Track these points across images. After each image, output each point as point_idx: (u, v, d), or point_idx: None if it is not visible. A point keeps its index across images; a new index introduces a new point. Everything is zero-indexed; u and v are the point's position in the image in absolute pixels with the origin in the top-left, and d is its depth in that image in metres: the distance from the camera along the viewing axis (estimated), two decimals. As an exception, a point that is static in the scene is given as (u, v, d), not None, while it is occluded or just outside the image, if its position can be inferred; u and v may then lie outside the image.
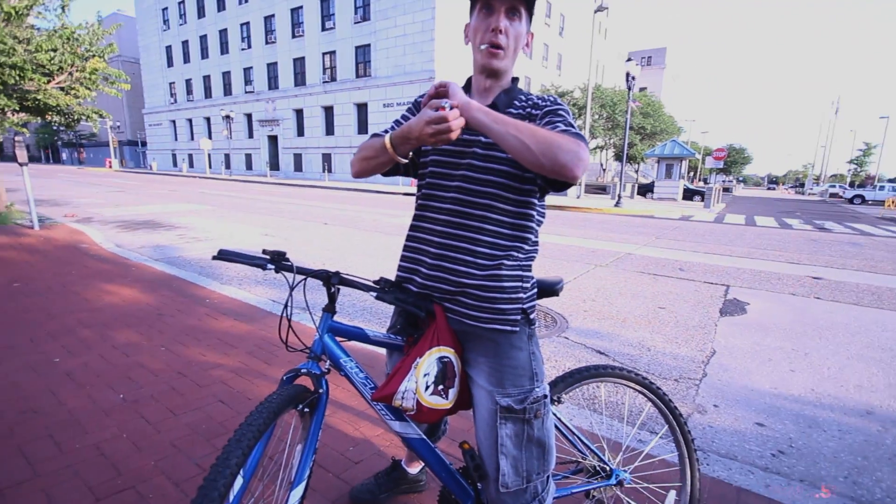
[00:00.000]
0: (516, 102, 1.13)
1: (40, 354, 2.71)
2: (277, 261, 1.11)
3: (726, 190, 43.91)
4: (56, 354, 2.72)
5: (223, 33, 37.15)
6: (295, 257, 5.97)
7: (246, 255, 1.10)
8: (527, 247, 1.15)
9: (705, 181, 59.70)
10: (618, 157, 39.26)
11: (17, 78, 7.08)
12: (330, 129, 31.93)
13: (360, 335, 1.19)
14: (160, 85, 44.36)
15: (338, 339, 1.17)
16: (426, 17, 25.74)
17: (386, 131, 1.19)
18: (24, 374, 2.46)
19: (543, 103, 1.11)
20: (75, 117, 8.43)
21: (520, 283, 1.12)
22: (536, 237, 1.18)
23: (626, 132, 17.22)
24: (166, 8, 41.36)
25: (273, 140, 35.99)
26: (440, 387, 1.12)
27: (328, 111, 31.80)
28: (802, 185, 71.22)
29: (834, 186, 43.35)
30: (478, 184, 1.09)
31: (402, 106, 27.49)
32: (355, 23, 28.96)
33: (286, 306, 1.11)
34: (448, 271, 1.11)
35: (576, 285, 5.16)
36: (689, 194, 26.11)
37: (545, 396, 1.15)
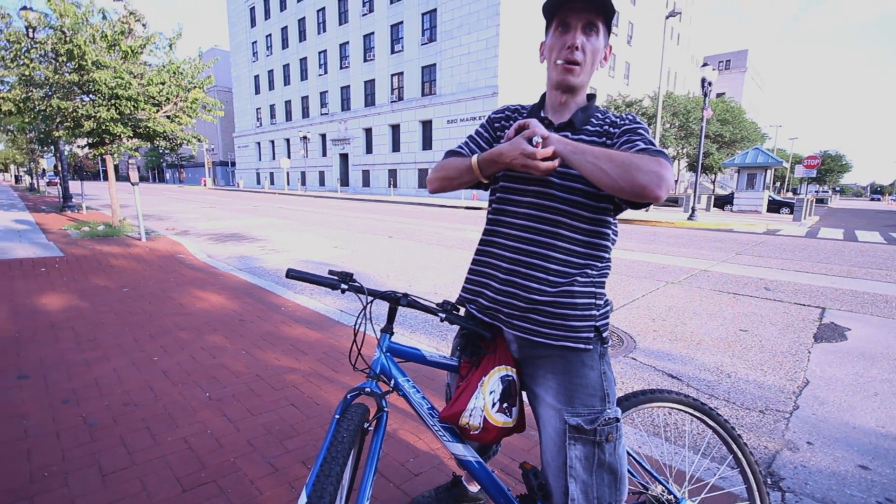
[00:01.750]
0: (593, 120, 1.12)
1: (142, 353, 3.06)
2: (346, 281, 1.15)
3: (820, 201, 39.62)
4: (155, 353, 3.05)
5: (303, 61, 40.20)
6: (361, 269, 6.21)
7: (315, 276, 1.14)
8: (600, 264, 1.13)
9: (794, 192, 54.26)
10: (691, 167, 36.92)
11: (132, 108, 8.14)
12: (396, 147, 33.20)
13: (417, 356, 1.21)
14: (248, 110, 48.80)
15: (396, 359, 1.19)
16: (490, 34, 26.12)
17: (461, 147, 1.24)
18: (128, 370, 2.79)
19: (622, 122, 1.09)
20: (178, 142, 9.51)
21: (593, 300, 1.10)
22: (610, 254, 1.16)
23: (701, 140, 16.17)
24: (255, 42, 45.69)
25: (344, 158, 38.05)
26: (504, 404, 1.13)
27: (395, 129, 33.12)
28: (916, 196, 62.29)
29: (960, 196, 37.49)
30: (552, 200, 1.08)
31: (464, 122, 27.95)
32: (422, 44, 30.06)
33: (357, 326, 1.14)
34: (520, 287, 1.10)
35: (644, 303, 4.90)
36: (775, 206, 23.86)
37: (617, 420, 1.10)
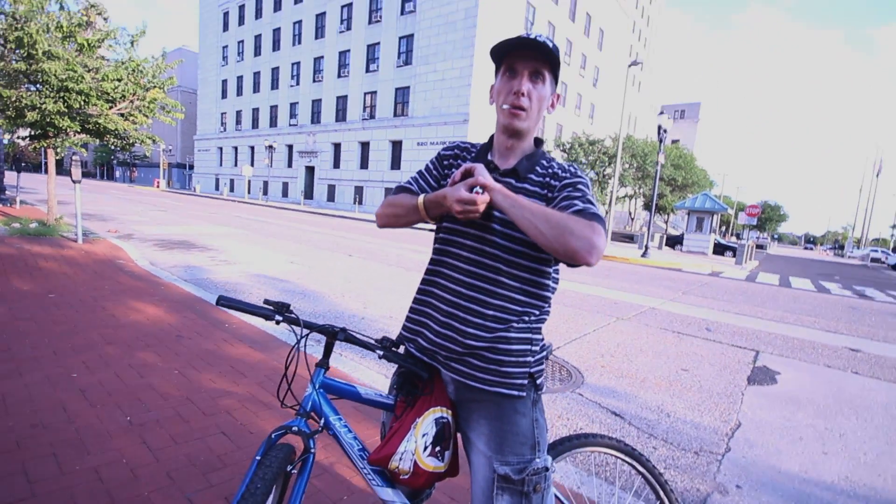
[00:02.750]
0: (538, 168, 1.12)
1: (60, 368, 2.80)
2: (282, 312, 1.10)
3: (760, 247, 42.58)
4: (75, 369, 2.80)
5: (275, 71, 39.76)
6: (316, 287, 6.02)
7: (249, 305, 1.09)
8: (538, 312, 1.12)
9: (738, 236, 58.21)
10: (647, 207, 38.90)
11: (82, 103, 7.71)
12: (364, 164, 33.10)
13: (352, 394, 1.17)
14: (213, 114, 47.43)
15: (329, 396, 1.15)
16: (465, 63, 26.90)
17: (409, 183, 1.23)
18: (42, 387, 2.54)
19: (563, 174, 1.10)
20: (131, 141, 9.05)
21: (528, 346, 1.09)
22: (549, 301, 1.16)
23: (656, 183, 17.14)
24: (227, 46, 44.87)
25: (310, 170, 37.48)
26: (437, 448, 1.10)
27: (364, 146, 33.08)
28: (842, 248, 68.40)
29: (876, 251, 41.38)
30: (492, 246, 1.08)
31: (434, 145, 28.35)
32: (398, 66, 30.50)
33: (288, 360, 1.09)
34: (457, 331, 1.09)
35: (595, 338, 5.01)
36: (720, 249, 25.42)
37: (546, 469, 1.09)
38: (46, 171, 8.91)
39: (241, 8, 42.70)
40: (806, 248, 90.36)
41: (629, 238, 29.14)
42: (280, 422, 2.40)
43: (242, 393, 2.72)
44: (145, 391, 2.62)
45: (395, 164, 31.08)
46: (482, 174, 0.98)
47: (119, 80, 8.06)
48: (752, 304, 8.64)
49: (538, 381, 1.11)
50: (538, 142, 1.19)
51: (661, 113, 16.99)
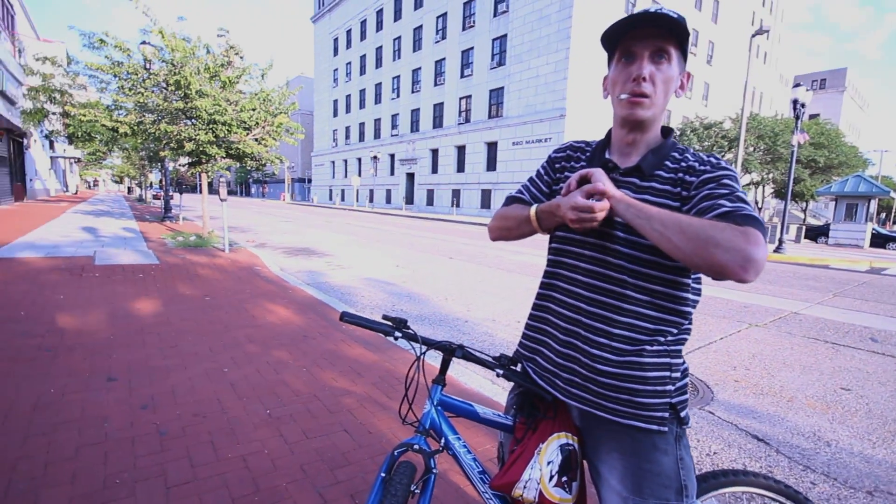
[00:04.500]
0: (667, 163, 0.96)
1: (215, 363, 3.25)
2: (400, 329, 1.11)
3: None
4: (226, 364, 3.24)
5: (378, 86, 42.51)
6: (420, 290, 6.22)
7: (370, 321, 1.12)
8: (676, 330, 0.97)
9: (909, 225, 47.81)
10: (778, 194, 33.84)
11: (227, 132, 8.99)
12: (461, 167, 33.74)
13: (469, 412, 1.13)
14: (326, 132, 52.33)
15: (447, 413, 1.13)
16: (560, 57, 25.99)
17: (520, 192, 1.16)
18: (201, 380, 2.97)
19: (702, 167, 0.92)
20: (263, 162, 10.36)
21: (668, 373, 0.95)
22: (690, 318, 0.99)
23: (792, 166, 14.75)
24: (336, 69, 49.24)
25: (410, 177, 39.28)
26: (563, 478, 1.01)
27: (460, 150, 33.72)
28: None
29: None
30: (615, 256, 0.95)
31: (530, 144, 27.84)
32: (491, 68, 30.58)
33: (409, 377, 1.09)
34: (580, 351, 0.98)
35: (723, 347, 4.46)
36: (880, 240, 21.15)
37: None
38: (200, 192, 10.55)
39: (349, 33, 46.42)
40: None
41: (759, 231, 25.56)
42: (395, 425, 2.51)
43: (360, 392, 2.90)
44: (280, 387, 2.93)
45: (491, 165, 31.16)
46: (600, 179, 0.88)
47: (254, 110, 9.28)
48: (936, 309, 7.00)
49: (682, 414, 0.96)
50: (666, 131, 1.02)
51: (797, 85, 14.62)
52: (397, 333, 1.12)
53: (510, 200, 1.16)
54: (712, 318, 5.62)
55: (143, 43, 9.43)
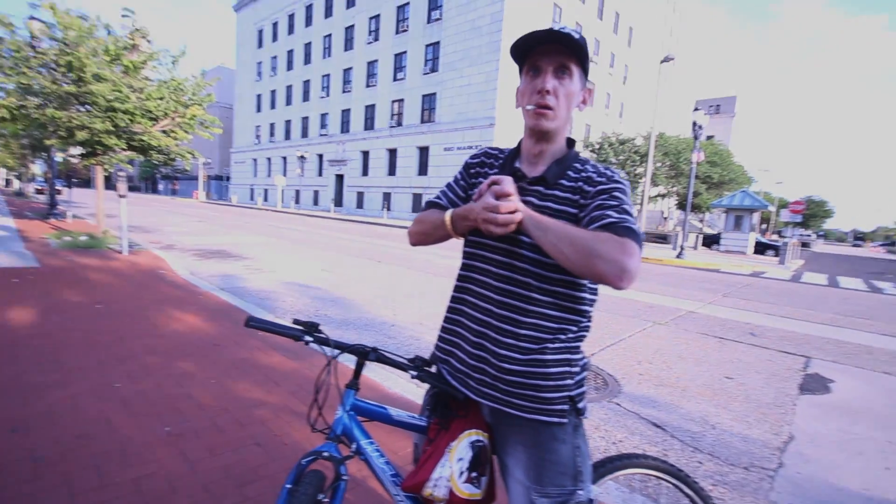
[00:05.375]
0: (570, 173, 1.03)
1: (104, 378, 2.91)
2: (311, 332, 1.08)
3: (804, 245, 40.37)
4: (118, 379, 2.91)
5: (306, 83, 40.94)
6: (346, 295, 6.06)
7: (278, 326, 1.08)
8: (576, 327, 1.04)
9: (780, 234, 55.38)
10: (681, 206, 37.59)
11: (128, 121, 8.13)
12: (392, 170, 33.52)
13: (383, 416, 1.13)
14: (248, 127, 49.30)
15: (360, 418, 1.11)
16: (490, 68, 26.86)
17: (438, 198, 1.19)
18: (87, 397, 2.64)
19: (599, 178, 1.00)
20: (172, 156, 9.48)
21: (567, 369, 1.01)
22: (589, 315, 1.07)
23: (692, 181, 16.51)
24: (261, 62, 46.62)
25: (340, 178, 38.26)
26: (473, 474, 1.04)
27: (392, 153, 33.51)
28: (894, 244, 63.96)
29: (939, 247, 38.46)
30: (520, 260, 1.00)
31: (461, 150, 28.38)
32: (424, 74, 30.79)
33: (319, 382, 1.06)
34: (490, 353, 1.02)
35: (630, 344, 4.84)
36: (761, 248, 24.28)
37: (590, 501, 1.02)
38: (95, 187, 9.43)
39: (275, 25, 44.23)
40: (854, 245, 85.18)
41: (662, 238, 28.19)
42: (313, 434, 2.41)
43: (276, 403, 2.75)
44: (184, 401, 2.69)
45: (423, 170, 31.31)
46: (508, 187, 0.92)
47: (161, 99, 8.47)
48: (799, 306, 8.16)
49: (579, 406, 1.03)
50: (570, 143, 1.10)
51: (696, 109, 16.40)
52: (307, 338, 1.09)
53: (429, 205, 1.19)
54: (623, 317, 6.08)
55: (31, 18, 8.26)
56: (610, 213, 0.92)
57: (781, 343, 5.39)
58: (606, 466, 1.25)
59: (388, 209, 32.84)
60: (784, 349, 5.12)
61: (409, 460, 2.21)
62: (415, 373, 1.07)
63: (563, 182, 1.02)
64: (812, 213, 66.58)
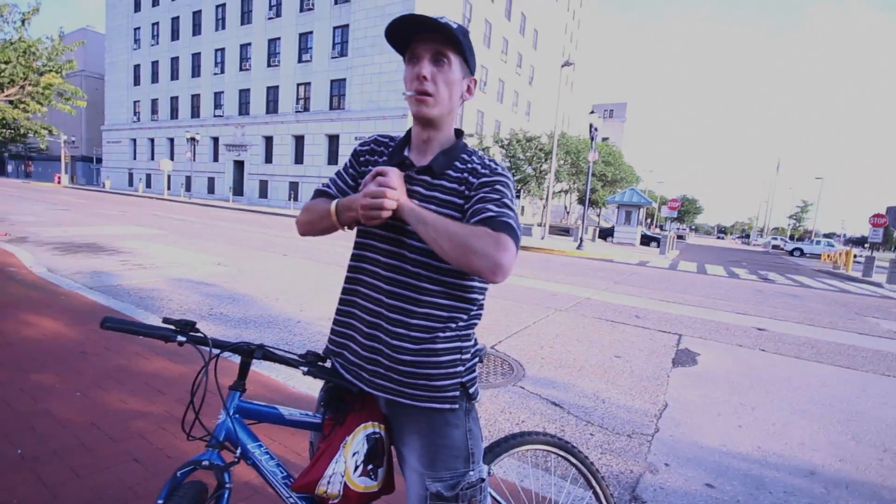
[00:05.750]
0: (457, 164, 1.03)
1: (-72, 398, 2.38)
2: (186, 332, 0.96)
3: (680, 237, 46.35)
4: (-52, 399, 2.39)
5: (196, 57, 36.97)
6: (246, 291, 5.64)
7: (142, 326, 0.94)
8: (467, 315, 1.06)
9: (661, 228, 62.88)
10: (581, 201, 40.88)
11: (-42, 87, 6.67)
12: (300, 158, 31.79)
13: (273, 416, 1.06)
14: (124, 103, 43.23)
15: (247, 421, 1.03)
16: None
17: (327, 186, 1.15)
18: None
19: (483, 170, 1.01)
20: (22, 132, 8.00)
21: (458, 356, 1.03)
22: (480, 303, 1.09)
23: (588, 179, 18.03)
24: (139, 28, 41.00)
25: (239, 165, 35.36)
26: (369, 466, 1.02)
27: (299, 140, 31.75)
28: (748, 236, 76.49)
29: (776, 239, 46.69)
30: (410, 250, 0.99)
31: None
32: (332, 58, 29.52)
33: (195, 386, 0.95)
34: (383, 343, 1.01)
35: (534, 331, 5.14)
36: (646, 240, 27.31)
37: (482, 480, 1.05)
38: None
39: (156, -13, 39.23)
40: (718, 238, 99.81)
41: (565, 231, 30.49)
42: (200, 444, 2.20)
43: (160, 413, 2.46)
44: (41, 418, 2.29)
45: (333, 158, 30.14)
46: (392, 177, 0.92)
47: (7, 63, 7.08)
48: (675, 290, 9.32)
49: (471, 391, 1.06)
50: (458, 133, 1.09)
51: (592, 112, 17.85)
52: (180, 338, 0.96)
53: (317, 194, 1.15)
54: (527, 305, 6.44)
55: None
56: (490, 206, 0.94)
57: (660, 323, 6.11)
58: (502, 445, 1.32)
59: (296, 199, 31.13)
60: (662, 328, 5.81)
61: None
62: (306, 368, 1.01)
63: (450, 173, 1.02)
64: (686, 210, 76.59)
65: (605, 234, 29.15)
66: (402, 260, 1.01)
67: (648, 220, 61.56)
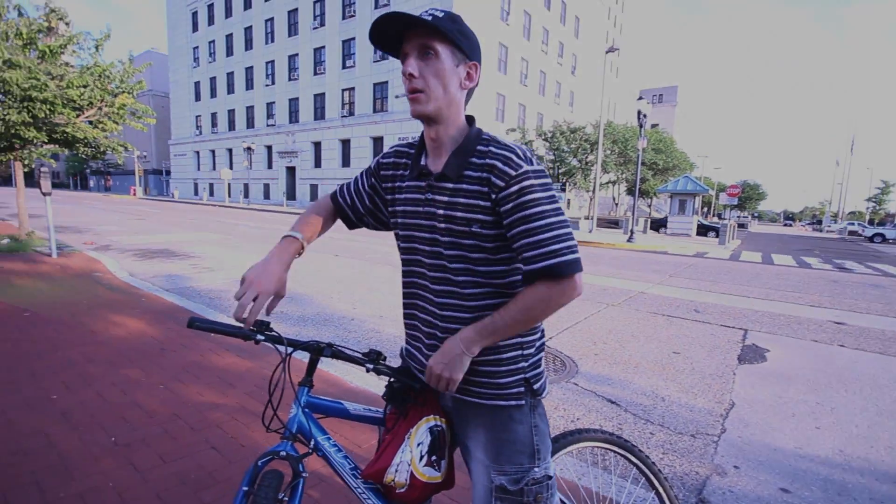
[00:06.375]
0: (474, 160, 0.96)
1: (39, 390, 2.68)
2: (262, 331, 1.03)
3: (741, 226, 43.43)
4: (54, 390, 2.69)
5: (249, 70, 38.97)
6: (303, 291, 5.89)
7: (224, 325, 1.02)
8: None
9: (720, 217, 59.19)
10: (630, 192, 39.29)
11: (48, 112, 7.43)
12: (346, 161, 32.76)
13: (339, 410, 1.12)
14: (187, 118, 46.35)
15: (316, 415, 1.10)
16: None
17: (342, 191, 1.23)
18: (21, 411, 2.43)
19: (505, 168, 0.92)
20: (101, 149, 8.77)
21: (519, 352, 1.03)
22: None
23: (638, 168, 17.27)
24: (197, 47, 43.78)
25: (291, 171, 36.95)
26: (433, 457, 1.05)
27: (345, 144, 32.72)
28: (820, 223, 70.34)
29: (853, 224, 42.53)
30: (449, 260, 0.99)
31: (416, 140, 28.13)
32: (374, 62, 30.14)
33: (273, 381, 1.03)
34: (441, 342, 1.03)
35: (586, 326, 5.02)
36: (703, 230, 25.82)
37: (548, 477, 1.04)
38: (14, 184, 8.59)
39: (210, 7, 41.66)
40: (785, 225, 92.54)
41: (614, 223, 29.43)
42: (271, 434, 2.34)
43: (232, 405, 2.65)
44: (130, 409, 2.53)
45: (378, 160, 30.83)
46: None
47: (85, 87, 7.78)
48: (737, 283, 8.77)
49: (535, 386, 1.05)
50: (470, 121, 1.03)
51: (640, 98, 17.10)
52: (259, 336, 1.04)
53: (332, 196, 1.24)
54: (578, 301, 6.29)
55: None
56: (534, 236, 0.90)
57: (722, 318, 5.78)
58: (560, 442, 1.30)
59: (344, 201, 32.12)
60: (725, 323, 5.50)
61: (373, 452, 2.20)
62: (370, 366, 1.06)
63: (469, 173, 0.96)
64: (747, 196, 71.66)
65: (658, 224, 27.82)
66: (446, 271, 1.00)
67: (705, 209, 58.18)
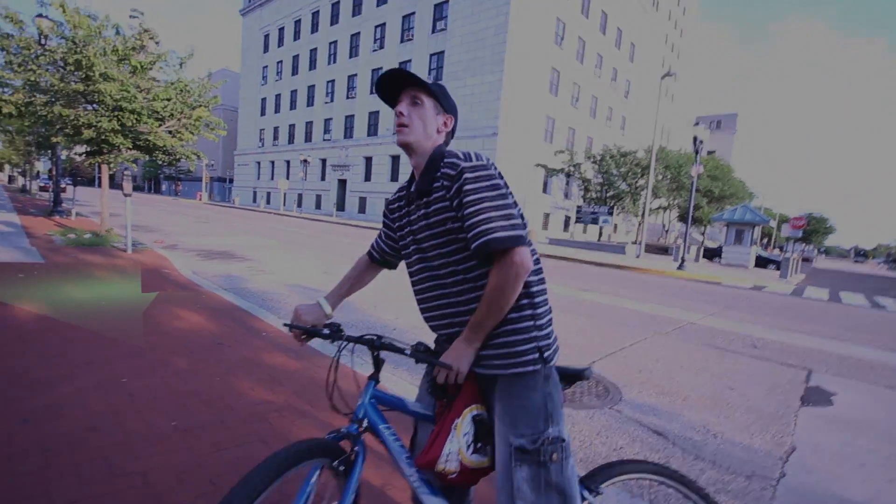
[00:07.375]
0: (437, 174, 1.17)
1: (110, 373, 2.92)
2: (335, 333, 1.26)
3: (806, 260, 40.46)
4: (125, 374, 2.92)
5: (311, 88, 41.28)
6: (349, 299, 5.99)
7: (313, 328, 1.33)
8: (534, 277, 1.17)
9: (781, 249, 55.50)
10: (682, 218, 37.71)
11: (135, 121, 8.20)
12: (395, 176, 33.67)
13: (399, 405, 1.24)
14: (252, 130, 49.57)
15: (379, 407, 1.21)
16: (494, 79, 27.10)
17: (373, 248, 1.54)
18: (94, 391, 2.65)
19: (451, 171, 1.13)
20: (177, 157, 9.55)
21: (532, 322, 1.13)
22: (535, 261, 1.18)
23: (692, 195, 16.58)
24: (266, 66, 47.04)
25: (342, 183, 38.42)
26: (479, 444, 1.16)
27: (395, 159, 33.68)
28: (895, 261, 64.13)
29: (939, 265, 38.48)
30: (434, 251, 1.21)
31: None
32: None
33: (331, 369, 1.21)
34: (458, 324, 1.19)
35: (631, 353, 4.85)
36: (762, 262, 24.30)
37: (561, 440, 1.12)
38: (100, 185, 9.49)
39: (281, 31, 44.71)
40: (856, 262, 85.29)
41: (664, 250, 28.29)
42: (316, 432, 2.42)
43: (280, 402, 2.76)
44: (189, 397, 2.70)
45: (425, 176, 31.45)
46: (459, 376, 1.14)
47: (168, 100, 8.55)
48: (800, 319, 8.17)
49: (545, 355, 1.13)
50: (437, 150, 1.23)
51: (697, 123, 16.53)
52: (337, 340, 1.24)
53: (368, 254, 1.56)
54: (624, 327, 6.10)
55: (39, 16, 8.37)
56: (475, 224, 1.06)
57: (783, 356, 5.39)
58: (605, 472, 1.26)
59: (390, 215, 32.92)
60: (786, 361, 5.13)
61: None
62: (409, 351, 1.17)
63: (435, 185, 1.16)
64: (813, 230, 66.85)
65: (711, 254, 26.47)
66: (433, 262, 1.22)
67: (765, 241, 54.75)
